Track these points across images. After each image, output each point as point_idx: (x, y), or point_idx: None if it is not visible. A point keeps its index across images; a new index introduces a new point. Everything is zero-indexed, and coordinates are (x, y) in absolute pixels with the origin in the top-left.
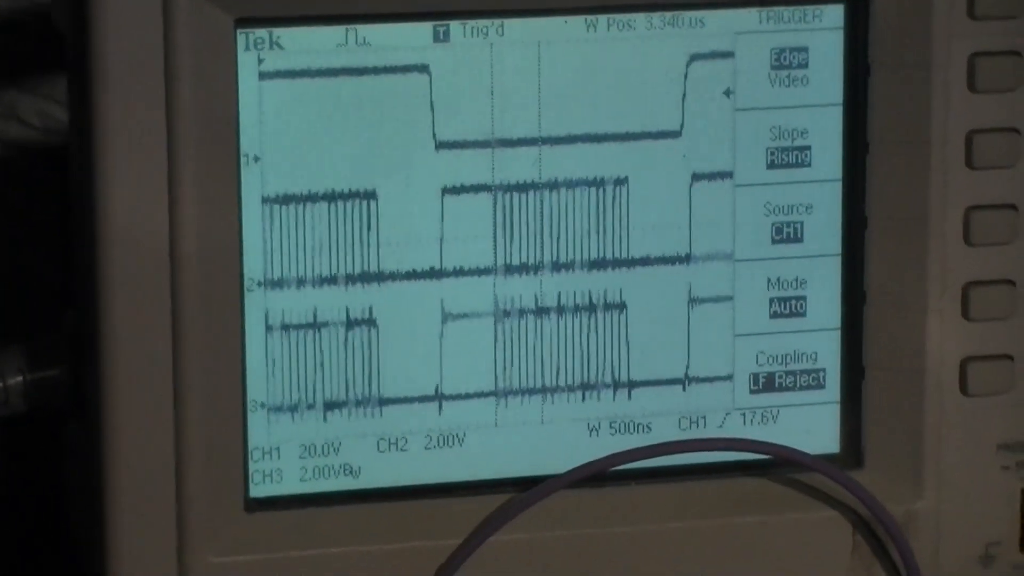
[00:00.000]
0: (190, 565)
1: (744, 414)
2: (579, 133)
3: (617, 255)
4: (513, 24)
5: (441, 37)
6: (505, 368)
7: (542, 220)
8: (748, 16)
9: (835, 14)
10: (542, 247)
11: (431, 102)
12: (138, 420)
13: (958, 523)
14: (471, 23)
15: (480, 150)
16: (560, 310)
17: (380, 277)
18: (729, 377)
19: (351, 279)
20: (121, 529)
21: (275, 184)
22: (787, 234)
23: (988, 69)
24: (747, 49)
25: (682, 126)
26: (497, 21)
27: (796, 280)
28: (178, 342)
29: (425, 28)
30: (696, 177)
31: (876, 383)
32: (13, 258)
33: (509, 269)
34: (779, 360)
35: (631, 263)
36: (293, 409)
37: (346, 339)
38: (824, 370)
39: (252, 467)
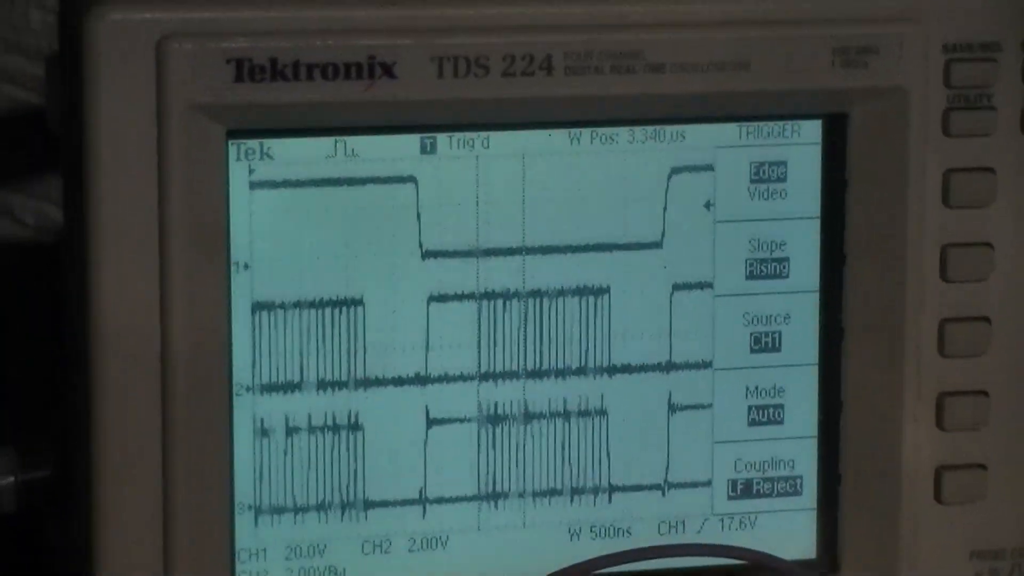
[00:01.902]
0: None
1: (722, 519)
2: (562, 243)
3: (599, 363)
4: (498, 137)
5: (428, 149)
6: (488, 473)
7: (525, 328)
8: (728, 130)
9: (813, 129)
10: (525, 354)
11: (418, 212)
12: (126, 521)
13: None
14: (457, 135)
15: (465, 259)
16: (542, 416)
17: (366, 383)
18: (708, 483)
19: (337, 384)
20: None
21: (264, 291)
22: (765, 343)
23: (962, 185)
24: (727, 162)
25: (663, 237)
26: (483, 134)
27: (774, 388)
28: (167, 444)
29: (412, 140)
30: (677, 287)
31: (852, 490)
32: (4, 357)
33: (493, 376)
34: (757, 467)
35: (612, 370)
36: (280, 511)
37: (332, 443)
38: (801, 477)
39: (239, 568)
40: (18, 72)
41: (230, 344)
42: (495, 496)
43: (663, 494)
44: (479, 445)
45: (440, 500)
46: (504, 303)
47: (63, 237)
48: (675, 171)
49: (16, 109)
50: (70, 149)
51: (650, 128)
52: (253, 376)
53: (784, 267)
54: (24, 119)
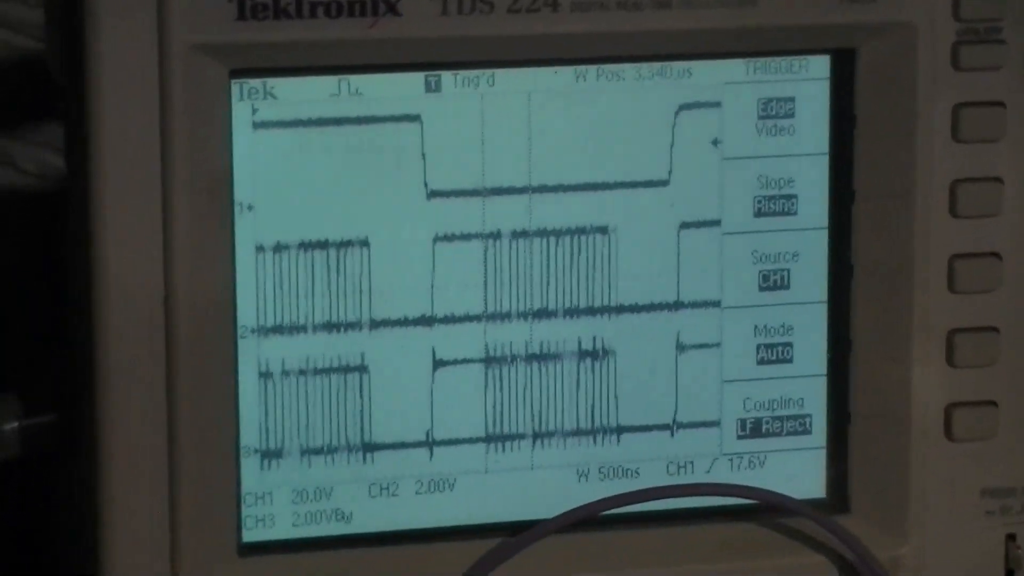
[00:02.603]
0: None
1: (731, 459)
2: (568, 182)
3: (606, 302)
4: (503, 75)
5: (432, 87)
6: (495, 414)
7: (532, 268)
8: (735, 67)
9: (821, 65)
10: (532, 294)
11: (423, 151)
12: (132, 465)
13: (943, 568)
14: (462, 74)
15: (471, 199)
16: (549, 357)
17: (372, 324)
18: (716, 423)
19: (343, 326)
20: (115, 573)
21: (268, 233)
22: (774, 282)
23: (972, 119)
24: (734, 99)
25: (670, 175)
26: (487, 72)
27: (783, 327)
28: (172, 388)
29: (417, 79)
30: (684, 225)
31: (862, 429)
32: (7, 304)
33: (499, 316)
34: (766, 406)
35: (619, 310)
36: (285, 455)
37: (338, 385)
38: (810, 416)
39: (245, 512)
40: (17, 19)
41: (234, 287)
42: (502, 438)
43: (671, 434)
44: (486, 386)
45: (447, 442)
46: (510, 242)
47: (65, 184)
48: (682, 108)
49: (16, 56)
50: (71, 95)
51: (656, 65)
52: (258, 319)
53: (792, 204)
54: (24, 66)
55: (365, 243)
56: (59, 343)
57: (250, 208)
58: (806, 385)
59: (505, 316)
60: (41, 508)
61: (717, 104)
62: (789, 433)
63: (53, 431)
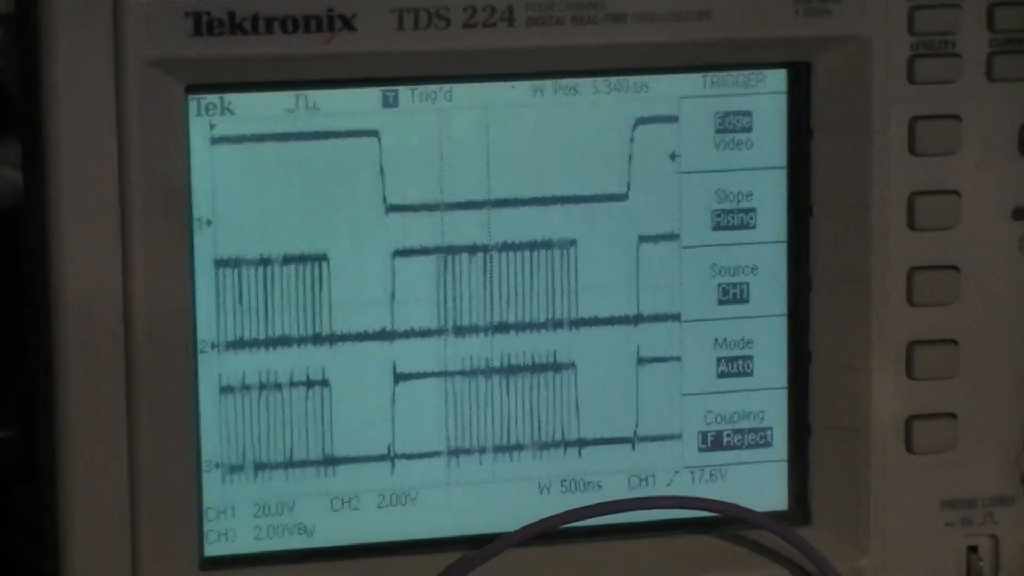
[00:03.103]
0: None
1: (693, 472)
2: (527, 196)
3: (566, 316)
4: (461, 89)
5: (390, 102)
6: (456, 427)
7: (491, 282)
8: (692, 81)
9: (777, 79)
10: (492, 308)
11: (381, 166)
12: (93, 481)
13: None
14: (419, 88)
15: (429, 213)
16: (510, 370)
17: (332, 339)
18: (678, 436)
19: (303, 341)
20: None
21: (227, 247)
22: (733, 295)
23: (928, 132)
24: (692, 113)
25: (628, 189)
26: (445, 86)
27: (742, 340)
28: (132, 404)
29: (374, 93)
30: (643, 239)
31: (822, 441)
32: None
33: (459, 330)
34: (727, 419)
35: (580, 324)
36: (247, 469)
37: (299, 400)
38: (771, 429)
39: (207, 526)
40: None
41: (193, 301)
42: (464, 451)
43: (633, 447)
44: (447, 400)
45: (409, 456)
46: (469, 257)
47: (23, 200)
48: (640, 122)
49: None
50: (28, 111)
51: (613, 79)
52: (217, 333)
53: (751, 218)
54: None
55: (324, 258)
56: (20, 359)
57: (209, 223)
58: (766, 398)
59: (465, 330)
60: (2, 524)
61: (674, 118)
62: (750, 446)
63: (14, 447)
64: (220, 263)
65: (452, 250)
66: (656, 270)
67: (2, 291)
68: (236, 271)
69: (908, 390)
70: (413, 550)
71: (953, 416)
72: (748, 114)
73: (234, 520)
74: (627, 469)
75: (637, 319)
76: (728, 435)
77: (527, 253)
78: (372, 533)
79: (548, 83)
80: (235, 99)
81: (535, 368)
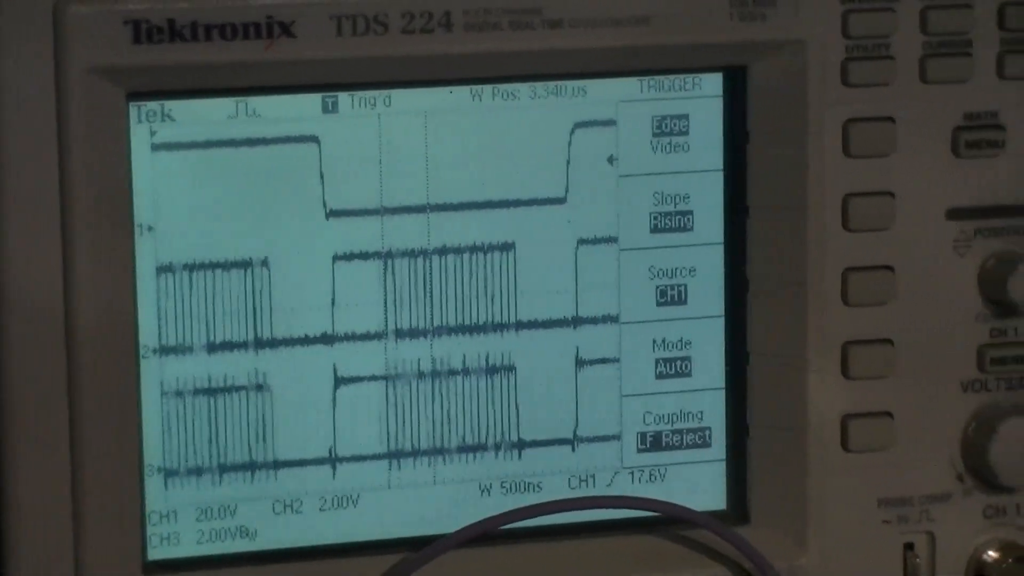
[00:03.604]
0: None
1: (632, 472)
2: (466, 200)
3: (506, 319)
4: (400, 95)
5: (330, 108)
6: (397, 430)
7: (432, 285)
8: (629, 85)
9: (714, 83)
10: (432, 311)
11: (321, 172)
12: (35, 485)
13: None
14: (359, 94)
15: (370, 218)
16: (450, 373)
17: (273, 343)
18: (617, 436)
19: (245, 345)
20: None
21: (169, 253)
22: (671, 296)
23: (862, 135)
24: (629, 117)
25: (567, 192)
26: (384, 92)
27: (681, 341)
28: (75, 409)
29: (314, 100)
30: (582, 242)
31: (760, 441)
32: None
33: (400, 333)
34: (666, 419)
35: (519, 326)
36: (190, 473)
37: (240, 404)
38: (710, 429)
39: (150, 530)
40: None
41: (135, 307)
42: (405, 454)
43: (573, 448)
44: (387, 403)
45: (350, 459)
46: (410, 261)
47: None
48: (577, 126)
49: None
50: None
51: (551, 84)
52: (160, 338)
53: (688, 220)
54: None
55: (265, 263)
56: None
57: (150, 229)
58: (705, 398)
59: (406, 333)
60: None
61: (612, 122)
62: (689, 446)
63: None
64: (162, 269)
65: (392, 254)
66: (595, 272)
67: None
68: (177, 276)
69: (844, 389)
70: (356, 552)
71: (889, 415)
72: (685, 117)
73: (177, 524)
74: (567, 470)
75: (576, 321)
76: (667, 435)
77: (467, 256)
78: (315, 536)
79: (487, 88)
80: (176, 106)
81: (475, 371)
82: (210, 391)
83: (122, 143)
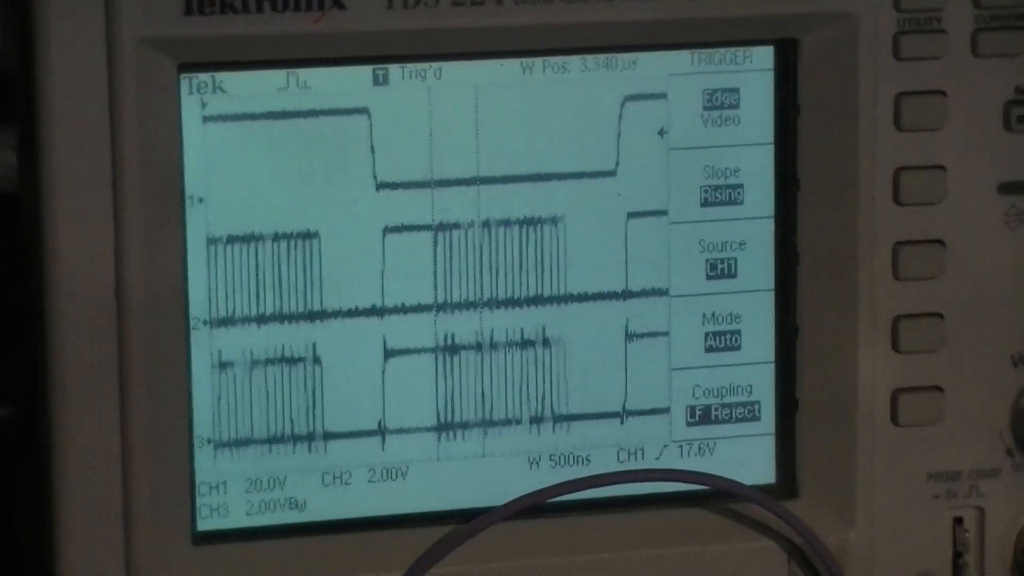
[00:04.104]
0: None
1: (681, 446)
2: (516, 173)
3: (555, 292)
4: (450, 67)
5: (380, 81)
6: (446, 403)
7: (481, 258)
8: (680, 58)
9: (765, 56)
10: (482, 284)
11: (371, 144)
12: (87, 456)
13: (891, 552)
14: (409, 67)
15: (420, 190)
16: (500, 346)
17: (323, 315)
18: (666, 410)
19: (295, 317)
20: (71, 564)
21: (219, 225)
22: (721, 270)
23: (913, 108)
24: (680, 90)
25: (617, 165)
26: (435, 65)
27: (730, 315)
28: (125, 380)
29: (365, 72)
30: (631, 215)
31: (809, 415)
32: None
33: (449, 306)
34: (715, 393)
35: (569, 299)
36: (239, 445)
37: (290, 376)
38: (759, 403)
39: (199, 502)
40: None
41: (186, 279)
42: (454, 426)
43: (621, 422)
44: (437, 375)
45: (399, 431)
46: (460, 233)
47: (19, 181)
48: (628, 99)
49: None
50: (23, 90)
51: (602, 57)
52: (210, 310)
53: (738, 194)
54: None
55: (315, 235)
56: (19, 339)
57: (201, 201)
58: (754, 372)
59: (455, 306)
60: (4, 500)
61: (663, 95)
62: (738, 420)
63: (11, 426)
64: (212, 241)
65: (442, 227)
66: (644, 246)
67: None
68: (228, 248)
69: (894, 363)
70: (403, 524)
71: (939, 389)
72: (736, 91)
73: (226, 495)
74: (616, 443)
75: (626, 294)
76: (716, 409)
77: (516, 229)
78: (363, 508)
79: (537, 61)
80: (227, 78)
81: (524, 343)
82: (260, 363)
83: (173, 115)
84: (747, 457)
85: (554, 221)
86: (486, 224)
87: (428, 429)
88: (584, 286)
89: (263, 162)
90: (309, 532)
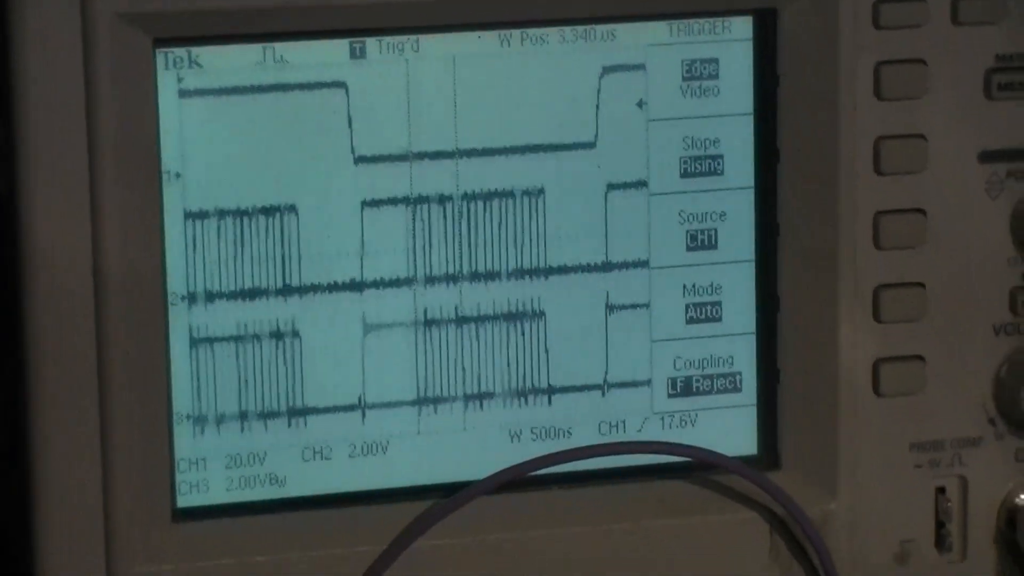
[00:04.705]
0: (118, 575)
1: (663, 418)
2: (495, 146)
3: (535, 264)
4: (428, 40)
5: (357, 54)
6: (427, 377)
7: (461, 231)
8: (658, 29)
9: (744, 26)
10: (461, 258)
11: (349, 117)
12: (65, 433)
13: (874, 522)
14: (387, 39)
15: (398, 164)
16: (480, 319)
17: (302, 290)
18: (647, 382)
19: (273, 292)
20: (50, 539)
21: (196, 200)
22: (701, 241)
23: (893, 77)
24: (658, 61)
25: (596, 137)
26: (412, 37)
27: (711, 286)
28: (103, 357)
29: (341, 45)
30: (611, 187)
31: (791, 386)
32: None
33: (429, 280)
34: (696, 365)
35: (549, 272)
36: (218, 420)
37: (269, 351)
38: (740, 374)
39: (179, 478)
40: None
41: (163, 254)
42: (434, 400)
43: (603, 394)
44: (416, 349)
45: (379, 405)
46: (438, 207)
47: None
48: (606, 71)
49: None
50: None
51: (580, 28)
52: (188, 286)
53: (719, 164)
54: None
55: (293, 209)
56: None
57: (178, 176)
58: (735, 343)
59: (435, 280)
60: None
61: (641, 66)
62: (719, 391)
63: None
64: (189, 215)
65: (421, 200)
66: (624, 217)
67: None
68: (205, 223)
69: (876, 334)
70: (385, 499)
71: (921, 359)
72: (715, 61)
73: (206, 471)
74: (597, 416)
75: (606, 266)
76: (697, 381)
77: (496, 202)
78: (343, 483)
79: (515, 33)
80: (203, 52)
81: (505, 316)
82: (238, 338)
83: (149, 90)
84: (729, 428)
85: (533, 193)
86: (465, 197)
87: (408, 403)
88: (564, 258)
89: (240, 137)
90: (290, 508)
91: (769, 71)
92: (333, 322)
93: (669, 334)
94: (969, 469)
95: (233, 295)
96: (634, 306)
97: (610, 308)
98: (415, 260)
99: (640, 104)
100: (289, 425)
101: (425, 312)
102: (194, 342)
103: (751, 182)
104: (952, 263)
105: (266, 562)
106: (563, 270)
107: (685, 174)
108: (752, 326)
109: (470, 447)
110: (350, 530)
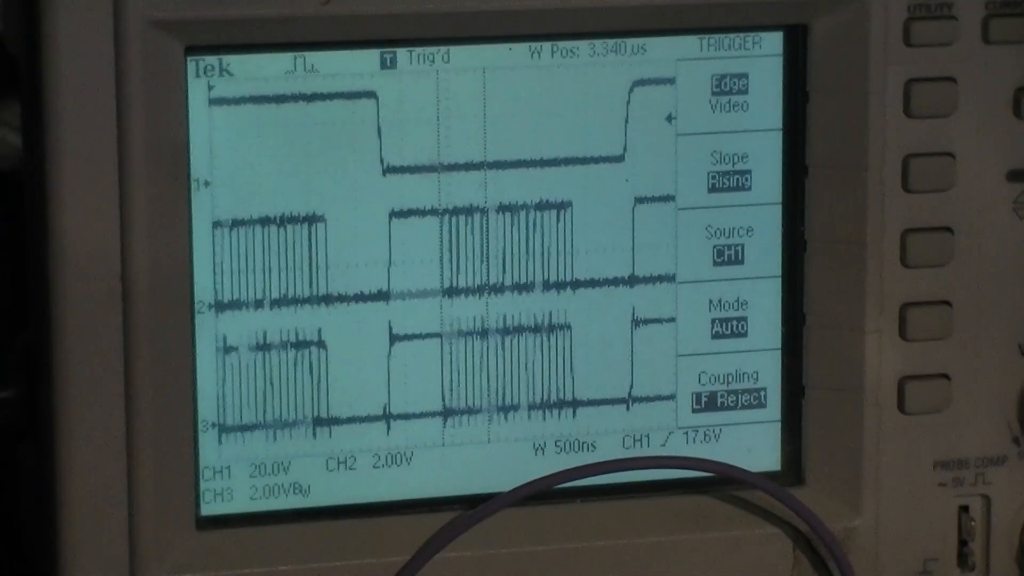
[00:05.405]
0: None
1: (687, 433)
2: (524, 158)
3: (562, 277)
4: (458, 51)
5: (388, 64)
6: (452, 388)
7: (488, 243)
8: (689, 43)
9: (774, 41)
10: (488, 269)
11: (378, 128)
12: (90, 440)
13: (897, 539)
14: (417, 50)
15: (427, 174)
16: (506, 331)
17: (328, 299)
18: (672, 396)
19: (300, 301)
20: (74, 547)
21: (225, 208)
22: (728, 256)
23: (923, 95)
24: (688, 75)
25: (625, 150)
26: (443, 48)
27: (737, 301)
28: (130, 363)
29: (372, 55)
30: (639, 200)
31: (816, 402)
32: None
33: (456, 291)
34: (721, 380)
35: (575, 285)
36: (243, 429)
37: (295, 360)
38: (765, 389)
39: (203, 486)
40: None
41: (191, 262)
42: (459, 412)
43: (627, 408)
44: (443, 361)
45: (404, 416)
46: (466, 218)
47: (23, 161)
48: (636, 84)
49: None
50: (27, 71)
51: (611, 41)
52: (215, 294)
53: (746, 180)
54: None
55: (321, 219)
56: (22, 319)
57: (207, 184)
58: (761, 359)
59: (461, 291)
60: (4, 483)
61: (671, 80)
62: (744, 406)
63: (14, 406)
64: (217, 224)
65: (449, 211)
66: (652, 231)
67: (3, 252)
68: (233, 232)
69: (901, 351)
70: (409, 510)
71: (946, 377)
72: (745, 76)
73: (230, 480)
74: (622, 430)
75: (632, 280)
76: (722, 396)
77: (523, 214)
78: (368, 493)
79: (546, 45)
80: (234, 60)
81: (531, 329)
82: (265, 347)
83: (180, 97)
84: (753, 444)
85: (561, 206)
86: (493, 209)
87: (433, 414)
88: (591, 272)
89: (269, 145)
90: (313, 517)
91: (799, 86)
92: (359, 332)
93: (694, 349)
94: (993, 488)
95: (260, 304)
96: (660, 320)
97: (636, 322)
98: (442, 271)
99: (669, 118)
100: (314, 434)
101: (452, 323)
102: (220, 350)
103: (779, 198)
104: (979, 282)
105: (289, 571)
106: (589, 283)
107: (713, 189)
108: (778, 342)
109: (494, 459)
110: (374, 540)
